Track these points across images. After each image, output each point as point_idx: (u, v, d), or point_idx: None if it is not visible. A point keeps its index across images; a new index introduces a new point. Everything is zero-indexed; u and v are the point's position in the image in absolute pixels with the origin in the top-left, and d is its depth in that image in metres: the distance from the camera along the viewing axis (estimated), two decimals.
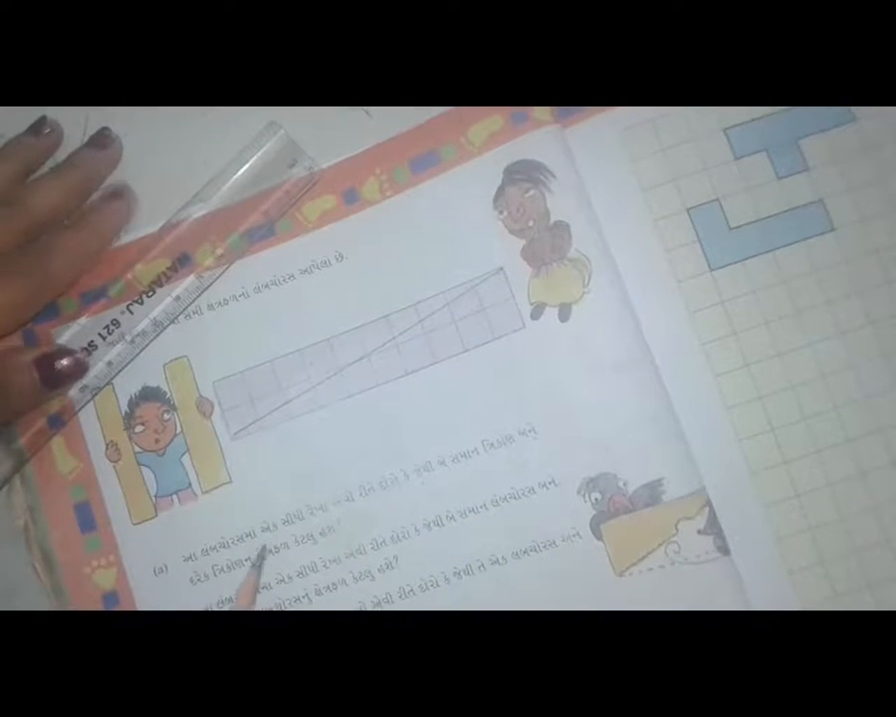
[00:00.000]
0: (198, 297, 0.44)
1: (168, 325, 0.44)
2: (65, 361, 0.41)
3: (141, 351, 0.43)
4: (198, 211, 0.44)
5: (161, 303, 0.43)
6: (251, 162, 0.44)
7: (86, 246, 0.43)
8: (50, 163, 0.45)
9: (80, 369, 0.42)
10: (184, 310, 0.44)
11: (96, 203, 0.44)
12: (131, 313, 0.43)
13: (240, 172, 0.44)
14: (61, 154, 0.45)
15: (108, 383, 0.43)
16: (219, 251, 0.44)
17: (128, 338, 0.43)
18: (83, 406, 0.43)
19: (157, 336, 0.43)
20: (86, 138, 0.45)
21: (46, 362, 0.41)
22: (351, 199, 0.44)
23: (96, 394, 0.43)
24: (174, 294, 0.43)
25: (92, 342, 0.43)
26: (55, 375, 0.41)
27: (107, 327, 0.43)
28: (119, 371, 0.43)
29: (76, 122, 0.45)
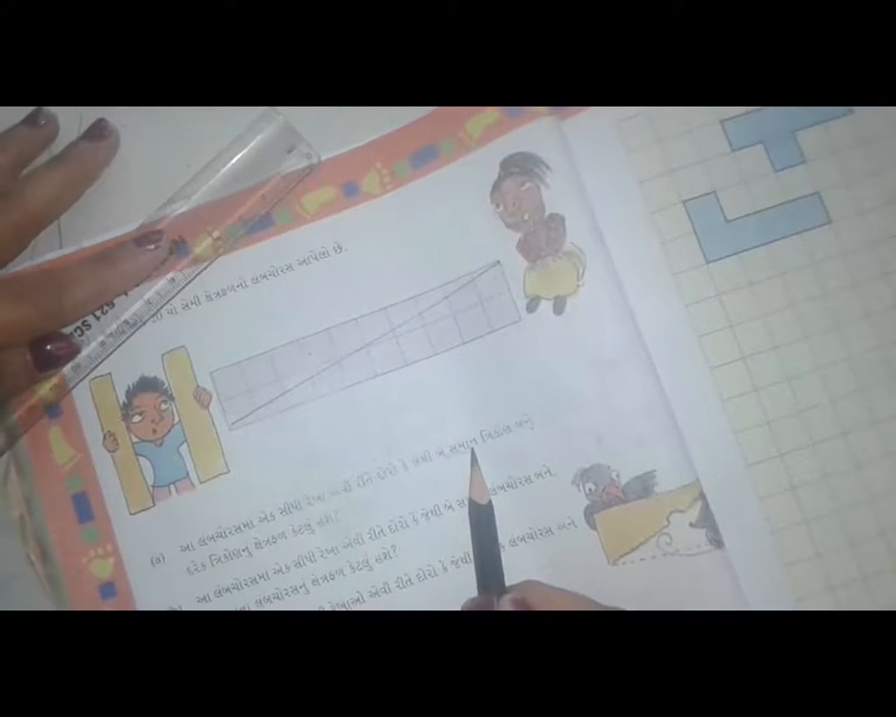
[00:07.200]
0: (192, 279, 0.44)
1: (162, 306, 0.44)
2: (57, 344, 0.41)
3: (135, 331, 0.43)
4: (194, 193, 0.44)
5: (156, 284, 0.43)
6: (249, 146, 0.44)
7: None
8: (45, 156, 0.44)
9: (72, 352, 0.42)
10: (178, 292, 0.44)
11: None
12: (126, 293, 0.43)
13: (238, 156, 0.44)
14: (56, 150, 0.45)
15: (100, 363, 0.43)
16: (216, 234, 0.44)
17: (122, 318, 0.43)
18: (76, 384, 0.43)
19: (152, 317, 0.44)
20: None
21: (39, 344, 0.41)
22: (351, 192, 0.44)
23: (88, 373, 0.43)
24: (169, 275, 0.43)
25: (86, 321, 0.43)
26: (47, 357, 0.41)
27: (101, 306, 0.43)
28: (112, 351, 0.43)
29: (69, 122, 0.45)
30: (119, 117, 0.45)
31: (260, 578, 0.43)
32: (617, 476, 0.42)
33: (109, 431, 0.43)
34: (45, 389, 0.42)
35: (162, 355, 0.44)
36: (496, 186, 0.44)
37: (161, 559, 0.43)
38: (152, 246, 0.42)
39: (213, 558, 0.43)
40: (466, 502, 0.42)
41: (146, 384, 0.44)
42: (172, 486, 0.43)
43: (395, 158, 0.45)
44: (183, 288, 0.44)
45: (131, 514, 0.43)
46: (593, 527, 0.42)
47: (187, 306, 0.44)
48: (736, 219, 0.43)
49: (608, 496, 0.42)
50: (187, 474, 0.43)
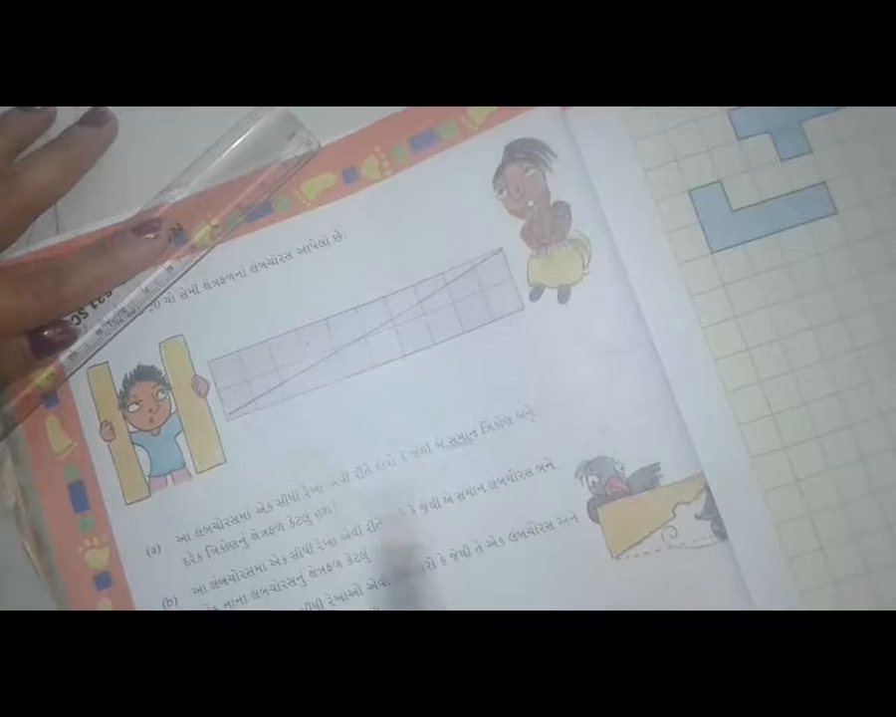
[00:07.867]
0: (190, 268, 0.43)
1: (160, 295, 0.43)
2: (55, 329, 0.41)
3: (132, 320, 0.43)
4: (192, 180, 0.43)
5: (153, 272, 0.43)
6: (248, 133, 0.44)
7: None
8: (41, 141, 0.44)
9: (69, 338, 0.42)
10: (176, 280, 0.43)
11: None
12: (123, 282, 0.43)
13: (237, 143, 0.44)
14: (52, 135, 0.44)
15: (97, 351, 0.43)
16: (214, 222, 0.43)
17: (119, 306, 0.42)
18: (72, 373, 0.43)
19: (149, 305, 0.43)
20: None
21: (36, 330, 0.41)
22: (351, 178, 0.44)
23: (85, 362, 0.43)
24: (166, 264, 0.43)
25: (83, 309, 0.42)
26: (44, 343, 0.41)
27: (100, 296, 0.42)
28: (110, 340, 0.43)
29: (66, 111, 0.45)
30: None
31: (257, 569, 0.42)
32: (622, 468, 0.41)
33: (105, 420, 0.43)
34: (42, 378, 0.42)
35: (160, 343, 0.43)
36: (499, 172, 0.43)
37: (157, 549, 0.42)
38: (152, 235, 0.42)
39: (210, 549, 0.42)
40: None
41: (144, 373, 0.43)
42: (169, 476, 0.43)
43: (395, 142, 0.44)
44: (181, 276, 0.43)
45: (127, 504, 0.43)
46: (596, 521, 0.41)
47: (185, 294, 0.44)
48: (741, 209, 0.43)
49: (612, 489, 0.41)
50: (184, 464, 0.43)
